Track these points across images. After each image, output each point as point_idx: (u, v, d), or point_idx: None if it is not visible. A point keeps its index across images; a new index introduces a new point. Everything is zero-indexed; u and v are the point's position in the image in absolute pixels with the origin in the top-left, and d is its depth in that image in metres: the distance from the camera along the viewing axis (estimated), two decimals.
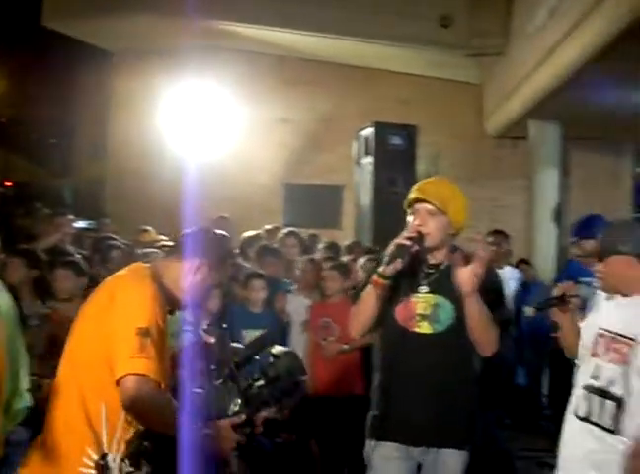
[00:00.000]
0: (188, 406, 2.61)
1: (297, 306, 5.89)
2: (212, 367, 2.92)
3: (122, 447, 2.57)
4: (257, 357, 2.95)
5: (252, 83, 12.08)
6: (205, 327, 3.17)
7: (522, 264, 8.49)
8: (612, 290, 3.23)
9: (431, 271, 3.41)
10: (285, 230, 7.25)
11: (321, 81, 12.27)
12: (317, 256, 6.99)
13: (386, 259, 3.22)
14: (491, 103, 11.49)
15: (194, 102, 10.80)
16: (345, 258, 6.54)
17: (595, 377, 3.14)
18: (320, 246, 7.25)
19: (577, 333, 3.29)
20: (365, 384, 5.50)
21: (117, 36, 12.05)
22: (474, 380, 3.51)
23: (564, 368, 3.90)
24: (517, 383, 7.76)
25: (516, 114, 10.12)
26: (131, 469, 2.58)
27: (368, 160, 8.86)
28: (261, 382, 2.80)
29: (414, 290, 3.40)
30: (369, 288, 3.32)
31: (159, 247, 6.76)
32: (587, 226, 4.38)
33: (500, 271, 5.48)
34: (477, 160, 11.87)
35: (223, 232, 3.06)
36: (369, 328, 3.45)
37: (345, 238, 8.61)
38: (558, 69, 7.62)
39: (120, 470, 2.57)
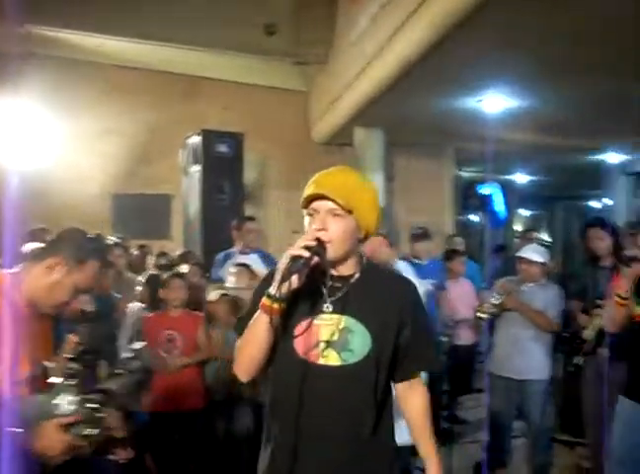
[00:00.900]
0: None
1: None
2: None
3: None
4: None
5: (74, 91, 11.72)
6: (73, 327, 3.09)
7: None
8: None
9: (337, 285, 2.59)
10: (111, 241, 7.08)
11: (146, 89, 12.06)
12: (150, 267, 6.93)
13: (278, 276, 2.40)
14: (317, 110, 11.67)
15: (13, 111, 10.39)
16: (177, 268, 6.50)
17: None
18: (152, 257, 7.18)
19: None
20: (203, 398, 5.52)
21: None
22: (391, 429, 2.69)
23: None
24: None
25: (341, 121, 10.32)
26: None
27: (196, 168, 8.82)
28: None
29: (316, 311, 2.57)
30: (258, 315, 2.48)
31: None
32: None
33: None
34: (304, 167, 11.90)
35: (90, 233, 3.02)
36: (263, 366, 2.57)
37: (175, 248, 8.52)
38: (378, 77, 7.81)
39: None
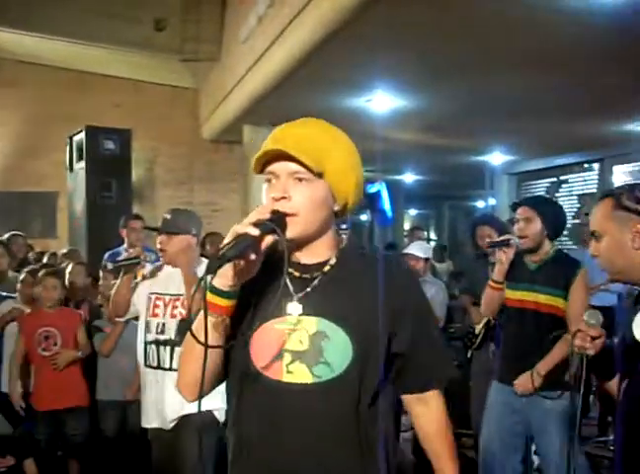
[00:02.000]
0: None
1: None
2: None
3: None
4: None
5: None
6: None
7: None
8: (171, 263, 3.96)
9: (305, 276, 1.92)
10: None
11: (31, 83, 11.70)
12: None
13: (220, 260, 1.68)
14: (206, 108, 11.63)
15: None
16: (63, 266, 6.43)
17: (160, 332, 3.79)
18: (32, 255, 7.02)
19: None
20: (86, 396, 5.42)
21: None
22: (383, 456, 1.92)
23: None
24: None
25: (230, 118, 10.31)
26: None
27: (81, 165, 8.66)
28: None
29: (278, 311, 1.87)
30: (201, 317, 1.74)
31: None
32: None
33: None
34: (193, 164, 11.97)
35: None
36: (214, 382, 1.92)
37: (60, 246, 8.35)
38: (266, 75, 7.84)
39: None
